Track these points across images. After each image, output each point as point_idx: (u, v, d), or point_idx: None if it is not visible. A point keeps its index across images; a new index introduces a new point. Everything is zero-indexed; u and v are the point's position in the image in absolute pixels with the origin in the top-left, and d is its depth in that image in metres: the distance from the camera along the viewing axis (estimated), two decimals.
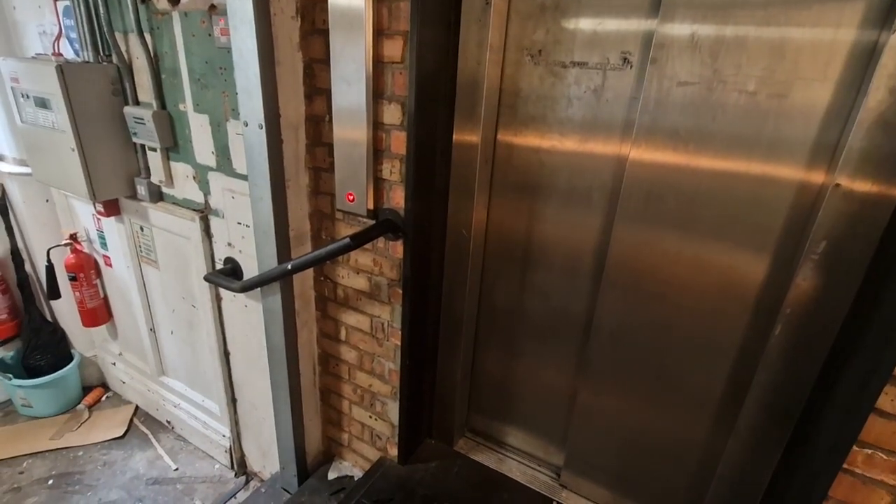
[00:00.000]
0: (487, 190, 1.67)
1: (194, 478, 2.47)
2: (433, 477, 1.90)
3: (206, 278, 1.98)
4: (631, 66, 1.33)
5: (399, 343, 1.77)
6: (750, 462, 1.42)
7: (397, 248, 1.63)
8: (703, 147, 1.28)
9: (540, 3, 1.40)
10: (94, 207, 2.32)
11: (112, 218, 2.33)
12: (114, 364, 2.93)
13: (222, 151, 1.82)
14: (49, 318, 2.86)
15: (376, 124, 1.52)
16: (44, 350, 2.76)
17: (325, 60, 1.51)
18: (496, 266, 1.78)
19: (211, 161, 1.87)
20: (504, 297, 1.80)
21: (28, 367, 2.75)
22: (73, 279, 2.50)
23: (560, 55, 1.42)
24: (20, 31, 2.27)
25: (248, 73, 1.47)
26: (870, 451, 1.08)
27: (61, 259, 2.50)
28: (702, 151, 1.29)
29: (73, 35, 2.01)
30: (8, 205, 2.61)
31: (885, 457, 1.07)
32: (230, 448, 2.45)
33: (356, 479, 2.08)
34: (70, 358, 2.87)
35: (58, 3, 2.01)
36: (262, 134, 1.52)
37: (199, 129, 1.85)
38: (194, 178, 1.97)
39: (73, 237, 2.51)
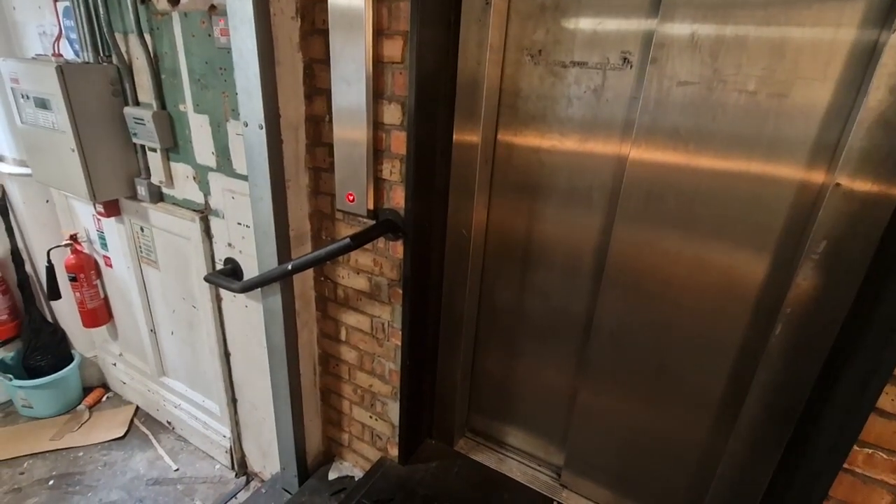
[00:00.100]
0: (487, 190, 1.67)
1: (195, 478, 2.47)
2: (433, 477, 1.90)
3: (206, 279, 1.98)
4: (631, 66, 1.33)
5: (399, 343, 1.77)
6: (750, 462, 1.42)
7: (397, 249, 1.63)
8: (703, 147, 1.28)
9: (540, 2, 1.40)
10: (95, 208, 2.32)
11: (112, 218, 2.33)
12: (114, 364, 2.93)
13: (222, 152, 1.82)
14: (49, 319, 2.86)
15: (376, 124, 1.52)
16: (44, 351, 2.76)
17: (325, 60, 1.51)
18: (496, 266, 1.78)
19: (211, 161, 1.87)
20: (504, 296, 1.80)
21: (28, 368, 2.75)
22: (73, 280, 2.50)
23: (560, 55, 1.42)
24: (20, 32, 2.27)
25: (248, 74, 1.47)
26: (870, 451, 1.08)
27: (61, 260, 2.51)
28: (702, 151, 1.29)
29: (73, 36, 2.01)
30: (8, 205, 2.61)
31: (885, 456, 1.07)
32: (231, 448, 2.45)
33: (356, 479, 2.08)
34: (70, 358, 2.87)
35: (58, 3, 2.01)
36: (262, 134, 1.52)
37: (199, 130, 1.85)
38: (194, 178, 1.97)
39: (74, 238, 2.51)
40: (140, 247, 2.33)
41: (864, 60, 1.06)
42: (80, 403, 2.90)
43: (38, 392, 2.72)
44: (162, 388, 2.70)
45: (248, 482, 2.46)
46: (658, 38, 1.24)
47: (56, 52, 2.11)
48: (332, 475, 2.14)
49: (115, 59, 1.92)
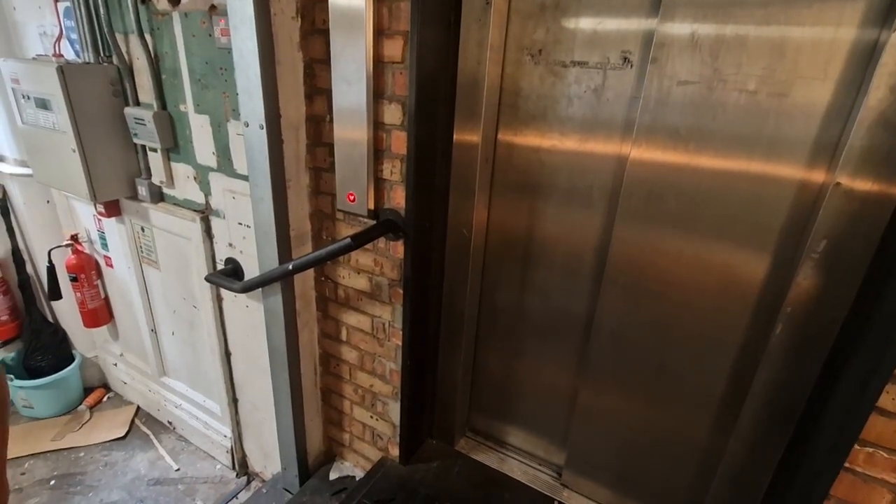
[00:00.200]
0: (488, 189, 1.67)
1: (196, 478, 2.48)
2: (434, 477, 1.90)
3: (207, 279, 1.98)
4: (631, 66, 1.33)
5: (400, 343, 1.77)
6: (751, 461, 1.42)
7: (398, 248, 1.64)
8: (703, 146, 1.28)
9: (540, 2, 1.40)
10: (95, 208, 2.32)
11: (113, 219, 2.33)
12: (115, 365, 2.93)
13: (223, 152, 1.82)
14: (50, 319, 2.86)
15: (377, 124, 1.52)
16: (45, 351, 2.76)
17: (326, 60, 1.51)
18: (497, 266, 1.78)
19: (212, 161, 1.87)
20: (505, 296, 1.80)
21: (29, 368, 2.75)
22: (74, 280, 2.51)
23: (560, 54, 1.42)
24: (20, 32, 2.27)
25: (249, 74, 1.47)
26: (871, 450, 1.08)
27: (62, 260, 2.51)
28: (702, 151, 1.29)
29: (74, 36, 2.02)
30: (9, 206, 2.61)
31: (886, 455, 1.07)
32: (231, 448, 2.45)
33: (357, 479, 2.08)
34: (71, 359, 2.87)
35: (58, 4, 2.01)
36: (263, 134, 1.52)
37: (199, 130, 1.85)
38: (195, 178, 1.97)
39: (74, 238, 2.51)
40: (141, 247, 2.33)
41: (865, 60, 1.06)
42: (80, 404, 2.90)
43: (38, 392, 2.73)
44: (163, 389, 2.70)
45: (249, 482, 2.46)
46: (658, 37, 1.24)
47: (56, 52, 2.11)
48: (333, 475, 2.14)
49: (115, 60, 1.92)
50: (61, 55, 2.10)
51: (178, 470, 2.52)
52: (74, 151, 1.92)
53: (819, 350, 1.23)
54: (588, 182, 1.50)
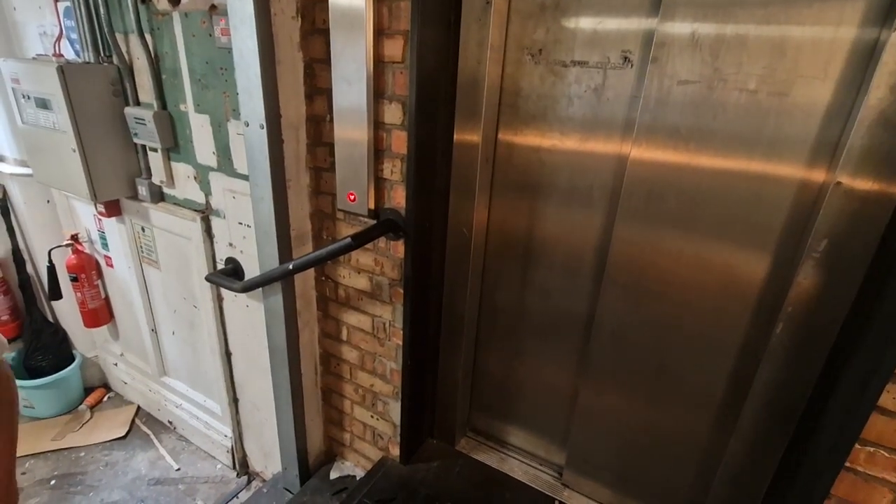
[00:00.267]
0: (488, 189, 1.67)
1: (196, 478, 2.48)
2: (435, 477, 1.90)
3: (207, 278, 1.98)
4: (631, 65, 1.33)
5: (400, 343, 1.77)
6: (752, 460, 1.42)
7: (398, 248, 1.64)
8: (703, 146, 1.28)
9: (540, 2, 1.40)
10: (95, 208, 2.32)
11: (113, 218, 2.33)
12: (115, 364, 2.93)
13: (223, 152, 1.82)
14: (50, 319, 2.86)
15: (377, 124, 1.52)
16: (45, 351, 2.77)
17: (326, 60, 1.51)
18: (497, 265, 1.78)
19: (212, 161, 1.87)
20: (505, 296, 1.80)
21: (30, 368, 2.75)
22: (74, 280, 2.51)
23: (560, 54, 1.42)
24: (21, 32, 2.27)
25: (249, 73, 1.47)
26: (872, 449, 1.08)
27: (62, 260, 2.51)
28: (703, 150, 1.29)
29: (74, 36, 2.01)
30: (9, 206, 2.61)
31: (886, 455, 1.07)
32: (232, 448, 2.45)
33: (358, 478, 2.08)
34: (71, 359, 2.87)
35: (58, 3, 2.01)
36: (263, 134, 1.52)
37: (199, 130, 1.85)
38: (195, 178, 1.97)
39: (75, 238, 2.51)
40: (141, 247, 2.33)
41: (865, 59, 1.06)
42: (81, 403, 2.90)
43: (39, 392, 2.73)
44: (163, 388, 2.71)
45: (249, 482, 2.46)
46: (659, 37, 1.24)
47: (57, 52, 2.11)
48: (333, 475, 2.14)
49: (115, 59, 1.92)
50: (61, 55, 2.10)
51: (178, 470, 2.52)
52: (74, 151, 1.92)
53: (820, 349, 1.23)
54: (588, 182, 1.50)
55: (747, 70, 1.18)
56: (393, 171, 1.55)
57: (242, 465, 2.49)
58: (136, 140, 2.03)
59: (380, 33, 1.41)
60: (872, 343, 1.09)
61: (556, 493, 1.85)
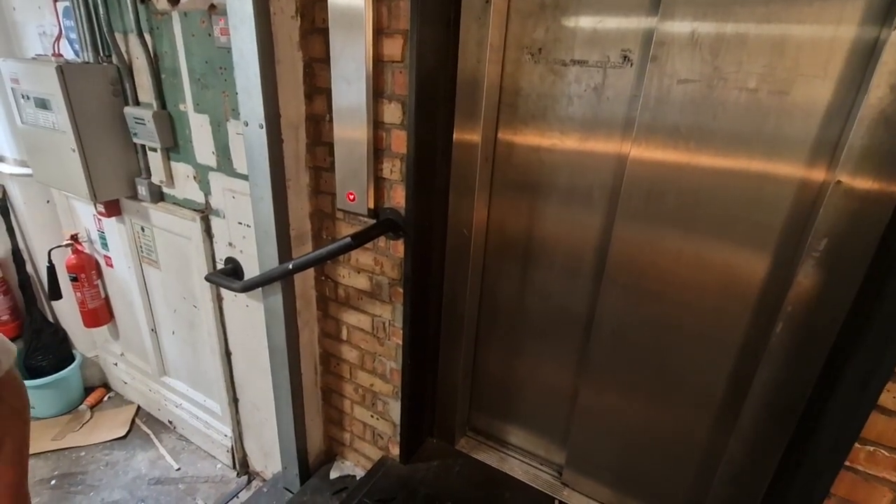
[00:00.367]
0: (488, 189, 1.67)
1: (196, 478, 2.48)
2: (435, 476, 1.90)
3: (207, 278, 1.98)
4: (631, 64, 1.33)
5: (400, 342, 1.77)
6: (752, 460, 1.42)
7: (398, 248, 1.63)
8: (703, 145, 1.28)
9: (540, 1, 1.40)
10: (95, 208, 2.32)
11: (113, 218, 2.33)
12: (115, 364, 2.93)
13: (223, 151, 1.82)
14: (50, 319, 2.86)
15: (377, 123, 1.51)
16: (45, 351, 2.77)
17: (325, 59, 1.51)
18: (497, 265, 1.77)
19: (211, 161, 1.87)
20: (505, 295, 1.80)
21: (30, 368, 2.75)
22: (74, 280, 2.51)
23: (560, 53, 1.42)
24: (20, 32, 2.27)
25: (248, 73, 1.47)
26: (872, 449, 1.08)
27: (62, 260, 2.51)
28: (702, 149, 1.28)
29: (73, 36, 2.01)
30: (9, 206, 2.61)
31: (886, 454, 1.07)
32: (232, 448, 2.45)
33: (358, 478, 2.08)
34: (72, 358, 2.87)
35: (57, 3, 2.01)
36: (263, 133, 1.52)
37: (199, 129, 1.85)
38: (195, 178, 1.97)
39: (74, 238, 2.51)
40: (141, 247, 2.33)
41: (865, 58, 1.06)
42: (81, 403, 2.90)
43: (39, 392, 2.73)
44: (163, 388, 2.71)
45: (249, 481, 2.46)
46: (658, 36, 1.24)
47: (56, 52, 2.11)
48: (333, 474, 2.14)
49: (115, 59, 1.92)
50: (61, 55, 2.09)
51: (178, 469, 2.52)
52: (74, 151, 1.92)
53: (820, 349, 1.23)
54: (588, 181, 1.50)
55: (747, 69, 1.17)
56: (392, 170, 1.55)
57: (242, 465, 2.49)
58: (135, 140, 2.03)
59: (379, 32, 1.41)
60: (872, 342, 1.09)
61: (556, 492, 1.85)
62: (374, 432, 2.03)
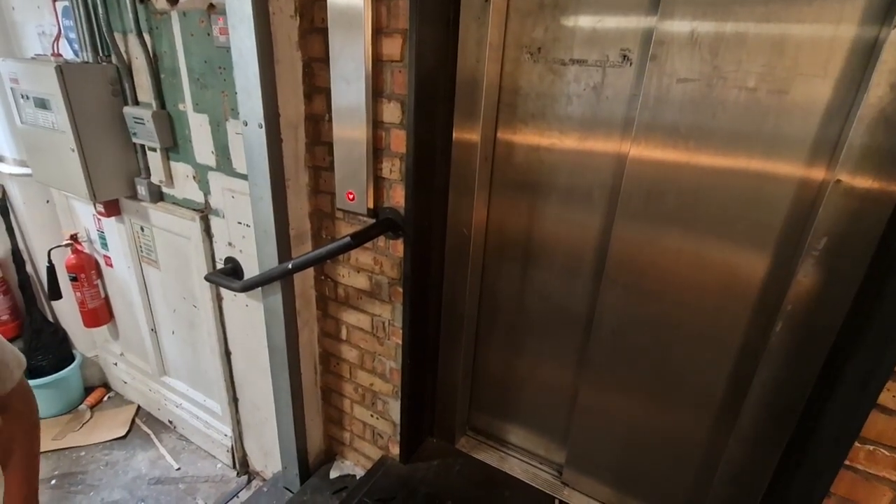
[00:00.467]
0: (487, 188, 1.67)
1: (196, 477, 2.48)
2: (435, 475, 1.90)
3: (206, 278, 1.98)
4: (631, 64, 1.33)
5: (400, 342, 1.77)
6: (751, 459, 1.42)
7: (398, 247, 1.63)
8: (703, 144, 1.28)
9: (539, 0, 1.40)
10: (95, 208, 2.32)
11: (112, 218, 2.33)
12: (115, 364, 2.93)
13: (222, 151, 1.82)
14: (50, 319, 2.86)
15: (376, 123, 1.51)
16: (45, 351, 2.76)
17: (325, 59, 1.51)
18: (497, 264, 1.77)
19: (211, 161, 1.87)
20: (505, 295, 1.80)
21: (30, 368, 2.75)
22: (73, 280, 2.51)
23: (559, 53, 1.41)
24: (19, 32, 2.27)
25: (248, 73, 1.46)
26: (872, 448, 1.08)
27: (62, 260, 2.51)
28: (702, 148, 1.28)
29: (73, 35, 2.01)
30: (8, 206, 2.61)
31: (886, 453, 1.07)
32: (232, 447, 2.45)
33: (358, 477, 2.08)
34: (71, 358, 2.87)
35: (57, 3, 2.01)
36: (262, 133, 1.52)
37: (198, 129, 1.85)
38: (194, 177, 1.97)
39: (74, 238, 2.51)
40: (140, 246, 2.33)
41: (865, 57, 1.06)
42: (81, 403, 2.90)
43: (39, 392, 2.68)
44: (163, 388, 2.71)
45: (249, 481, 2.46)
46: (658, 35, 1.24)
47: (55, 52, 2.11)
48: (333, 474, 2.14)
49: (114, 59, 1.92)
50: (60, 55, 2.09)
51: (178, 469, 2.53)
52: (74, 151, 1.92)
53: (819, 348, 1.23)
54: (587, 180, 1.50)
55: (747, 68, 1.17)
56: (392, 170, 1.55)
57: (242, 465, 2.49)
58: (135, 140, 2.02)
59: (378, 32, 1.41)
60: (872, 341, 1.09)
61: (556, 491, 1.85)
62: (373, 432, 2.03)
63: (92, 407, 2.90)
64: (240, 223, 1.87)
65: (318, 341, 2.00)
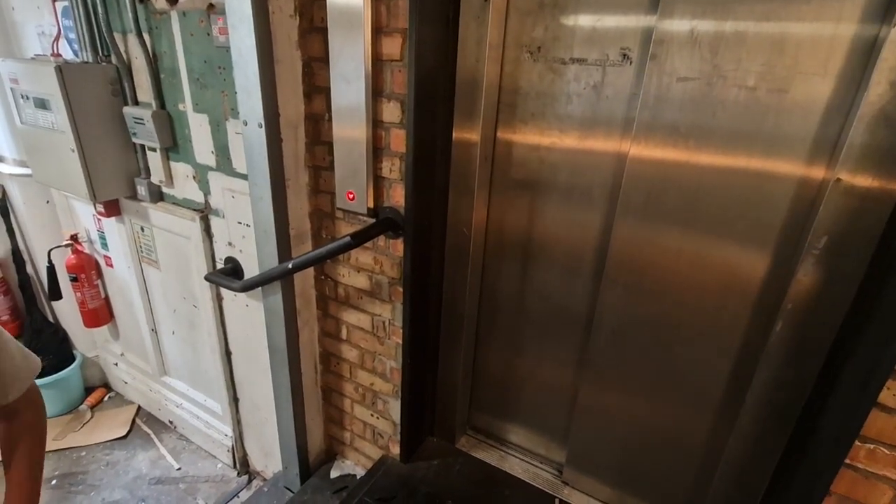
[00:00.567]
0: (487, 188, 1.66)
1: (197, 477, 2.48)
2: (435, 475, 1.90)
3: (206, 278, 1.98)
4: (630, 63, 1.33)
5: (400, 341, 1.77)
6: (752, 458, 1.42)
7: (398, 247, 1.63)
8: (703, 143, 1.28)
9: None
10: (95, 208, 2.32)
11: (112, 218, 2.33)
12: (115, 364, 2.93)
13: (222, 151, 1.82)
14: (51, 319, 2.86)
15: (376, 122, 1.51)
16: (46, 351, 2.76)
17: (324, 59, 1.51)
18: (497, 264, 1.77)
19: (211, 161, 1.87)
20: (505, 294, 1.80)
21: None
22: (74, 280, 2.51)
23: (559, 52, 1.41)
24: (19, 32, 2.27)
25: (247, 72, 1.46)
26: (872, 446, 1.08)
27: (62, 260, 2.51)
28: (702, 147, 1.28)
29: (72, 35, 2.01)
30: (9, 206, 2.61)
31: (887, 452, 1.07)
32: (232, 447, 2.45)
33: (358, 477, 2.08)
34: (72, 359, 2.87)
35: (56, 3, 2.01)
36: (262, 133, 1.52)
37: (198, 129, 1.85)
38: (194, 177, 1.97)
39: (74, 238, 2.51)
40: (140, 246, 2.33)
41: (865, 55, 1.06)
42: (81, 403, 2.90)
43: None
44: (163, 388, 2.71)
45: (250, 481, 2.46)
46: (657, 34, 1.24)
47: (55, 52, 2.11)
48: (333, 473, 2.14)
49: (114, 59, 1.91)
50: (60, 55, 2.09)
51: (179, 469, 2.53)
52: (73, 151, 1.92)
53: (819, 347, 1.23)
54: (588, 180, 1.50)
55: (746, 67, 1.17)
56: (392, 169, 1.55)
57: (243, 465, 2.49)
58: (134, 140, 2.02)
59: (378, 31, 1.41)
60: (872, 340, 1.09)
61: (557, 490, 1.85)
62: (374, 431, 2.03)
63: (92, 407, 2.90)
64: (240, 223, 1.87)
65: (318, 341, 2.00)
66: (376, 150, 1.55)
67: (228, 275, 1.95)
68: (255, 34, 1.40)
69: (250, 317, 2.02)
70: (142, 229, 2.26)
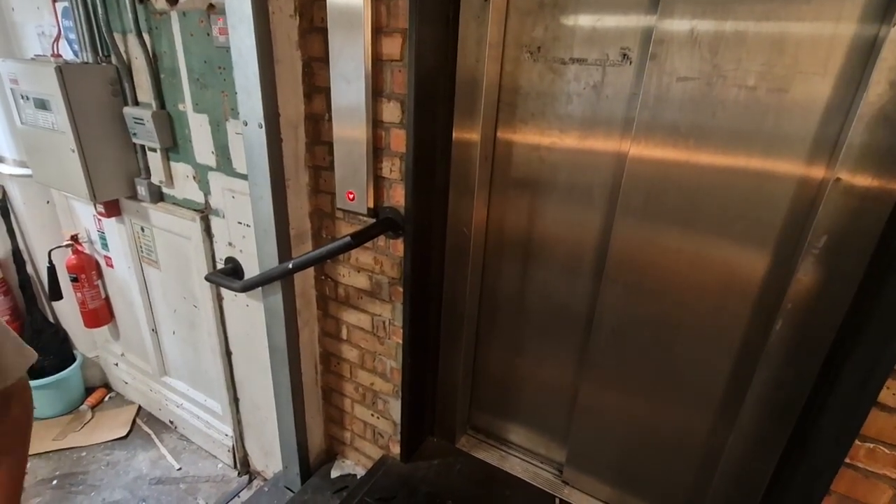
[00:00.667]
0: (487, 187, 1.67)
1: (197, 477, 2.48)
2: (436, 474, 1.90)
3: (207, 278, 1.98)
4: (630, 62, 1.33)
5: (400, 341, 1.77)
6: (752, 457, 1.42)
7: (398, 247, 1.63)
8: (703, 143, 1.28)
9: None
10: (95, 208, 2.32)
11: (113, 219, 2.33)
12: (116, 364, 2.93)
13: (222, 151, 1.82)
14: (51, 320, 2.86)
15: (376, 122, 1.51)
16: (46, 351, 2.76)
17: (324, 59, 1.51)
18: (497, 263, 1.77)
19: (211, 161, 1.87)
20: (505, 294, 1.80)
21: (31, 369, 2.74)
22: (74, 280, 2.51)
23: (559, 52, 1.41)
24: (19, 33, 2.27)
25: (247, 72, 1.46)
26: (872, 446, 1.08)
27: (62, 260, 2.51)
28: (702, 147, 1.28)
29: (72, 36, 2.01)
30: (9, 206, 2.61)
31: (887, 451, 1.07)
32: (233, 447, 2.45)
33: (359, 477, 2.08)
34: (72, 359, 2.87)
35: (56, 4, 2.01)
36: (262, 133, 1.52)
37: (198, 129, 1.85)
38: (194, 178, 1.97)
39: (74, 238, 2.51)
40: (141, 247, 2.33)
41: (864, 55, 1.06)
42: (82, 403, 2.90)
43: (40, 393, 2.73)
44: (164, 388, 2.71)
45: (250, 481, 2.46)
46: (657, 34, 1.24)
47: (55, 52, 2.11)
48: (334, 473, 2.15)
49: (114, 59, 1.92)
50: (60, 55, 2.09)
51: (179, 469, 2.53)
52: (74, 151, 1.92)
53: (819, 346, 1.23)
54: (588, 179, 1.50)
55: (746, 66, 1.17)
56: (392, 169, 1.55)
57: (243, 464, 2.49)
58: (135, 140, 2.02)
59: (378, 31, 1.41)
60: (872, 339, 1.09)
61: (557, 490, 1.85)
62: (374, 431, 2.03)
63: (93, 407, 2.90)
64: (240, 223, 1.87)
65: (318, 341, 2.01)
66: (376, 150, 1.55)
67: (228, 275, 1.95)
68: (255, 34, 1.40)
69: (250, 317, 2.02)
70: (142, 229, 2.26)
